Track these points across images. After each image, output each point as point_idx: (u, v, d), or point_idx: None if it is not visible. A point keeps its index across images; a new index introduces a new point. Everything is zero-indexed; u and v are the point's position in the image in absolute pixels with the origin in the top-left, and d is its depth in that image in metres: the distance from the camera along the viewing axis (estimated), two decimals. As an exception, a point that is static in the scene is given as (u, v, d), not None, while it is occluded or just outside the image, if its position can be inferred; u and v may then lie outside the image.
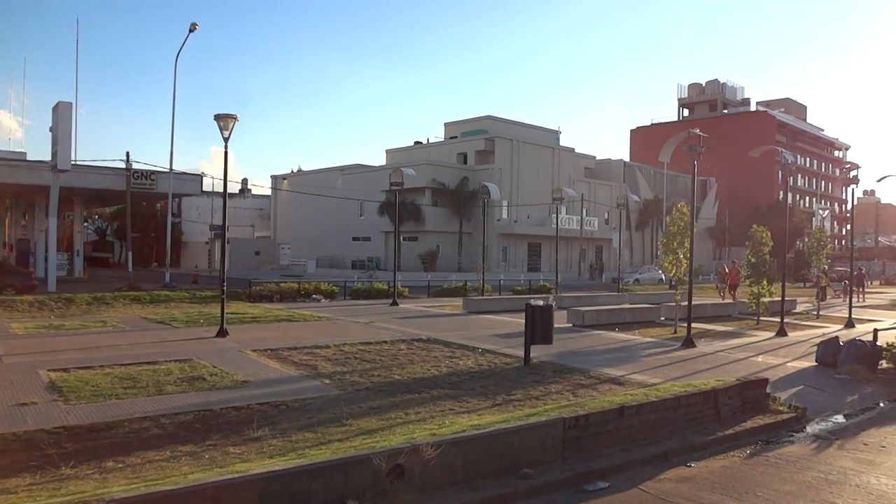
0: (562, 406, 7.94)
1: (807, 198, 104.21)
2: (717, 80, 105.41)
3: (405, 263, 53.80)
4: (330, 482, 5.46)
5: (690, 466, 7.45)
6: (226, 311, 20.49)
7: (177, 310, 21.82)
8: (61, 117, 28.08)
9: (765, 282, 20.97)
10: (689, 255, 17.33)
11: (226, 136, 15.48)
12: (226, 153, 15.71)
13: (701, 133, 15.90)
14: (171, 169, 34.61)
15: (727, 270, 31.27)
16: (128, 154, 34.56)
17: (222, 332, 15.60)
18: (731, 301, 27.15)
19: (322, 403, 9.20)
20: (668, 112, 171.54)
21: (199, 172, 40.22)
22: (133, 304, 22.83)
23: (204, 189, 48.77)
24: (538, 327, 12.30)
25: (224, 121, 15.51)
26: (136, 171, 34.73)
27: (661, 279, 48.38)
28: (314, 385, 10.47)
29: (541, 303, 12.61)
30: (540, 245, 59.20)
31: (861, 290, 36.68)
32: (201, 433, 7.77)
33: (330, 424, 8.11)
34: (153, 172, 35.41)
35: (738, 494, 6.61)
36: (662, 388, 9.17)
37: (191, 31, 32.73)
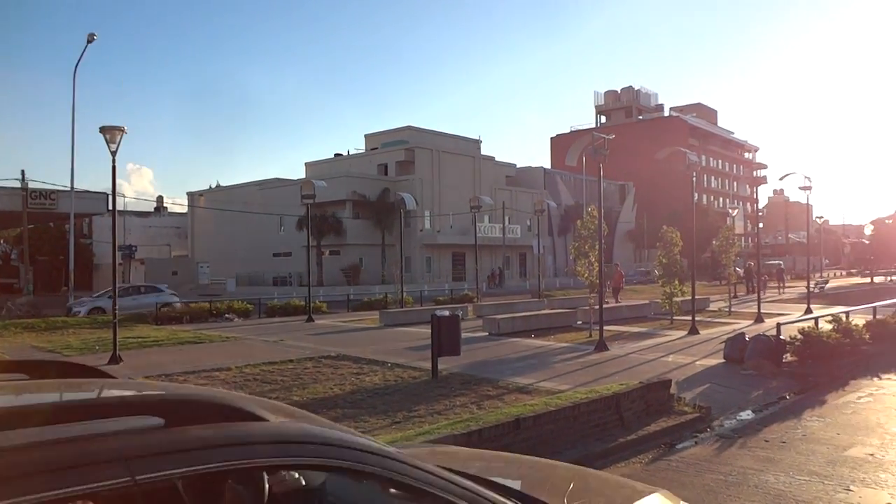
0: (456, 422, 7.55)
1: (720, 199, 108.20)
2: (631, 87, 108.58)
3: (329, 278, 52.85)
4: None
5: (590, 477, 7.17)
6: (129, 335, 19.54)
7: (73, 337, 20.48)
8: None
9: (676, 281, 21.29)
10: (600, 258, 17.35)
11: (113, 149, 14.55)
12: (113, 167, 14.74)
13: (606, 136, 15.94)
14: (71, 187, 32.86)
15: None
16: (23, 172, 32.63)
17: (115, 359, 14.61)
18: (614, 304, 27.20)
19: (207, 432, 8.53)
20: (587, 119, 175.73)
21: (104, 191, 38.33)
22: (25, 332, 21.32)
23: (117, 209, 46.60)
24: (445, 339, 11.93)
25: (111, 133, 14.58)
26: (34, 190, 32.80)
27: (158, 303, 27.22)
28: (204, 412, 9.76)
29: (447, 313, 12.25)
30: (464, 254, 59.18)
31: (781, 284, 39.36)
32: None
33: (210, 455, 7.47)
34: (53, 192, 33.51)
35: (636, 504, 6.35)
36: (564, 395, 8.91)
37: (89, 41, 31.20)
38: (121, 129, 14.73)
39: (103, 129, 14.66)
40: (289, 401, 10.37)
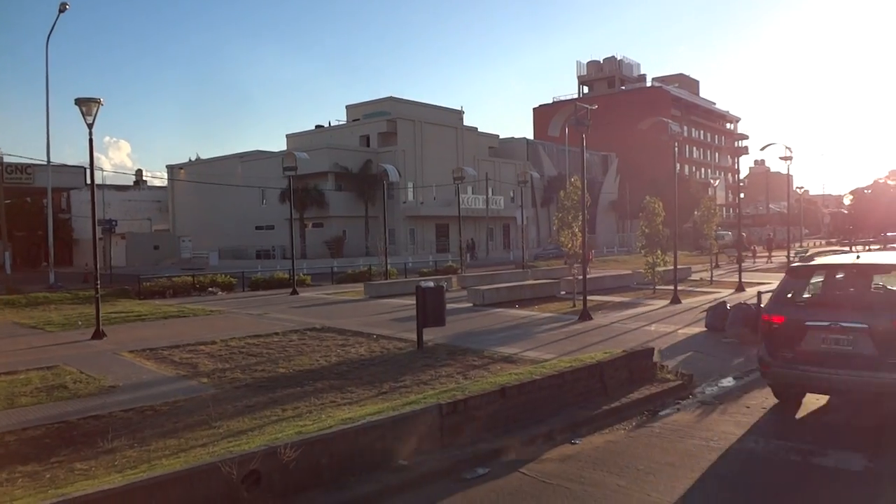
0: (442, 391, 7.61)
1: (702, 169, 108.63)
2: (614, 57, 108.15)
3: (312, 250, 52.67)
4: (170, 497, 4.91)
5: (575, 444, 7.26)
6: (112, 310, 19.42)
7: (55, 312, 20.32)
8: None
9: (659, 251, 21.44)
10: (583, 228, 17.40)
11: (89, 121, 14.32)
12: (90, 140, 14.50)
13: (588, 107, 15.89)
14: (48, 161, 32.25)
15: None
16: (-2, 147, 31.97)
17: (98, 334, 14.52)
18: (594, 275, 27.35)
19: (193, 405, 8.55)
20: (570, 89, 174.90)
21: (81, 164, 37.81)
22: (6, 308, 21.14)
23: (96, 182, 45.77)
24: (430, 310, 11.97)
25: (87, 105, 14.34)
26: (9, 164, 32.26)
27: None
28: (190, 385, 9.77)
29: (431, 284, 12.27)
30: (448, 226, 59.13)
31: (769, 253, 41.83)
32: (49, 449, 7.01)
33: (197, 428, 7.50)
34: (29, 166, 32.97)
35: (620, 469, 6.46)
36: (549, 364, 8.99)
37: (61, 11, 30.46)
38: (97, 102, 14.48)
39: (79, 102, 14.42)
40: (274, 373, 10.40)
